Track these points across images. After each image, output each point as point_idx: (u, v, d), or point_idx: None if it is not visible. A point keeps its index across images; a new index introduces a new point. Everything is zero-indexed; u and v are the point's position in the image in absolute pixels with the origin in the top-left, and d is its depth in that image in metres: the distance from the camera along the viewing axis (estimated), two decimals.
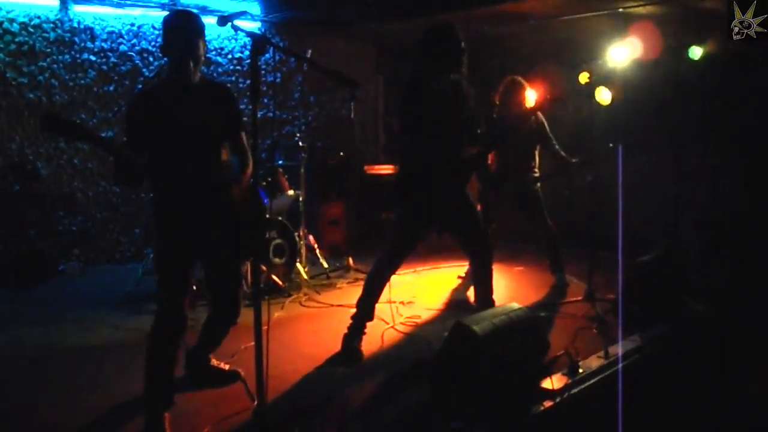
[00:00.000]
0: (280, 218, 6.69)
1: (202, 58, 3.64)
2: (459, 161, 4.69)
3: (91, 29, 7.99)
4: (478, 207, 5.64)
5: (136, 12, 8.21)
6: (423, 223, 4.76)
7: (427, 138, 4.57)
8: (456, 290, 6.69)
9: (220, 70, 8.90)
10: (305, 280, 6.84)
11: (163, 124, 3.54)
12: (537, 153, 6.58)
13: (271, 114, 8.86)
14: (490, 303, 4.78)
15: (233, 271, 4.02)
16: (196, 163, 3.62)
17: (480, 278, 4.96)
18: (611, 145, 5.78)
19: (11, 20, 7.44)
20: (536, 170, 6.57)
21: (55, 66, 7.75)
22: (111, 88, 8.13)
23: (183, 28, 3.57)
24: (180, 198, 3.59)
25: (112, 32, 8.14)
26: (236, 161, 3.89)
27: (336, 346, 4.76)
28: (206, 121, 3.66)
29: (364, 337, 4.79)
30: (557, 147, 6.50)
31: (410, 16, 8.32)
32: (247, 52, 9.03)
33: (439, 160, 4.59)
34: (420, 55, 4.62)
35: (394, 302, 5.70)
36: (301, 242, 7.06)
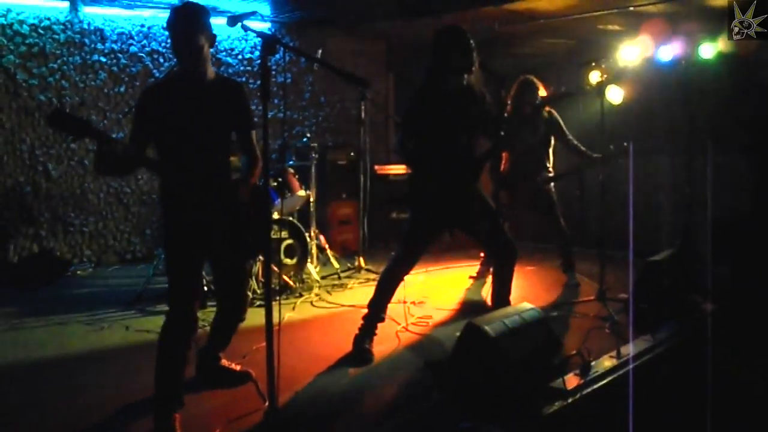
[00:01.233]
0: (290, 219, 6.69)
1: (204, 52, 3.58)
2: (468, 163, 4.68)
3: (101, 30, 8.02)
4: None
5: (146, 13, 8.23)
6: (434, 225, 4.75)
7: (436, 140, 4.57)
8: (468, 290, 6.67)
9: (230, 70, 8.90)
10: (316, 280, 6.84)
11: (171, 120, 3.54)
12: (551, 152, 6.56)
13: (281, 114, 8.88)
14: (507, 304, 4.74)
15: (241, 269, 4.03)
16: (203, 159, 3.61)
17: (500, 279, 4.92)
18: (625, 144, 5.76)
19: (21, 22, 7.46)
20: (550, 170, 6.55)
21: (65, 67, 7.77)
22: (121, 89, 8.15)
23: (179, 23, 3.55)
24: (188, 195, 3.58)
25: (122, 33, 8.16)
26: (245, 161, 3.89)
27: (347, 346, 4.75)
28: (214, 118, 3.65)
29: (376, 338, 4.79)
30: (575, 142, 6.47)
31: (420, 14, 8.31)
32: (257, 53, 9.04)
33: (447, 163, 4.58)
34: (431, 58, 4.60)
35: (406, 302, 5.70)
36: (312, 243, 7.06)
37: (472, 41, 4.52)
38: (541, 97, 6.28)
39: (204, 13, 3.60)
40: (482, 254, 6.88)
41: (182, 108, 3.57)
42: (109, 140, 3.24)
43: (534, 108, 6.20)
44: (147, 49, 8.32)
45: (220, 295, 4.11)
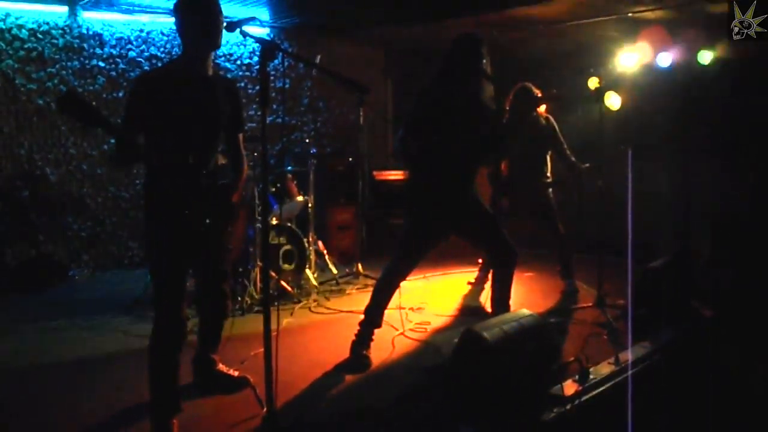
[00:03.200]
0: (289, 224, 6.69)
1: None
2: (467, 169, 4.66)
3: (100, 35, 8.01)
4: None
5: (145, 18, 8.24)
6: (433, 231, 4.73)
7: (438, 143, 4.55)
8: (466, 296, 6.66)
9: (229, 76, 8.88)
10: (314, 286, 6.83)
11: (170, 111, 3.47)
12: (549, 158, 6.55)
13: (280, 120, 8.88)
14: (507, 309, 4.72)
15: (223, 269, 4.01)
16: (199, 157, 3.54)
17: (500, 283, 4.90)
18: (621, 147, 5.76)
19: (20, 26, 7.46)
20: (548, 176, 6.54)
21: (64, 72, 7.77)
22: (120, 95, 8.13)
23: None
24: (183, 195, 3.50)
25: (121, 38, 8.15)
26: (231, 164, 3.87)
27: (345, 352, 4.74)
28: (214, 114, 3.63)
29: (374, 344, 4.78)
30: (568, 152, 6.47)
31: (419, 20, 8.32)
32: (255, 58, 9.04)
33: (447, 167, 4.56)
34: (444, 62, 4.59)
35: (404, 308, 5.69)
36: (311, 248, 7.05)
37: (484, 55, 4.50)
38: (534, 97, 6.24)
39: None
40: (480, 260, 6.88)
41: (183, 99, 3.50)
42: (116, 131, 3.22)
43: (526, 108, 6.17)
44: (146, 54, 8.31)
45: (204, 294, 4.08)
